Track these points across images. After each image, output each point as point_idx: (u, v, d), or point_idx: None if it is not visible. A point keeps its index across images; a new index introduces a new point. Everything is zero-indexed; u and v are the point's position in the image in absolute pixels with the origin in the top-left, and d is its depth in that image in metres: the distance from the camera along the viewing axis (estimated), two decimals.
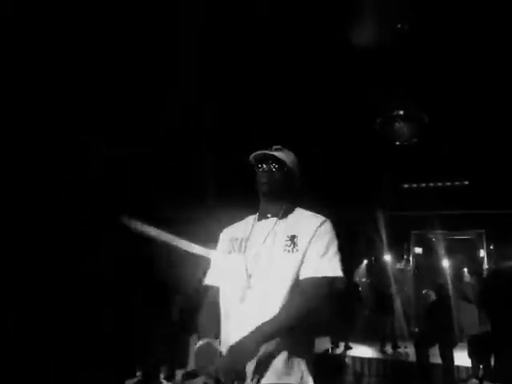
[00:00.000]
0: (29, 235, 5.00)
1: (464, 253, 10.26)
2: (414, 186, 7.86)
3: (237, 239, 2.09)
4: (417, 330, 8.33)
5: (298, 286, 1.89)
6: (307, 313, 1.85)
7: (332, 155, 6.61)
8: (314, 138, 6.05)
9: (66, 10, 3.72)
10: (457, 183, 7.63)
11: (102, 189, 5.51)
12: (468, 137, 6.03)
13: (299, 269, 1.90)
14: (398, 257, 10.97)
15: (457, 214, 8.16)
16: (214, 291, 2.12)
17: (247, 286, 1.92)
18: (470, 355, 6.71)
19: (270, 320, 1.80)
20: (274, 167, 2.07)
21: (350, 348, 8.52)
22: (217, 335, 1.97)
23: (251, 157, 2.10)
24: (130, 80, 4.73)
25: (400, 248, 10.61)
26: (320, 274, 1.88)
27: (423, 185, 7.84)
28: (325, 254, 1.92)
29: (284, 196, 2.08)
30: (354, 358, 7.83)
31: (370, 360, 7.73)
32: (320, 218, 2.02)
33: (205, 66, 4.73)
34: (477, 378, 6.65)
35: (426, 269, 10.63)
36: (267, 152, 2.07)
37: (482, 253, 9.03)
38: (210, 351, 1.88)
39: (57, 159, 5.01)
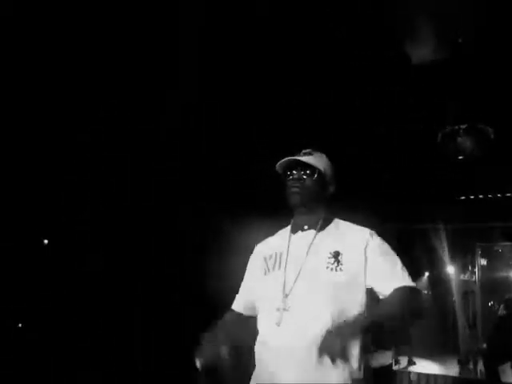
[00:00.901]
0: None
1: None
2: (479, 197, 7.64)
3: (271, 256, 1.94)
4: (485, 345, 8.04)
5: (341, 310, 1.71)
6: (412, 315, 1.76)
7: (392, 167, 6.55)
8: (374, 151, 6.03)
9: (69, 9, 3.62)
10: None
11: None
12: None
13: (343, 290, 1.74)
14: (462, 269, 10.65)
15: None
16: (233, 315, 2.04)
17: (283, 308, 1.74)
18: None
19: (383, 305, 1.73)
20: (305, 173, 1.88)
21: (414, 363, 8.34)
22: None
23: (278, 165, 1.91)
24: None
25: (464, 260, 10.32)
26: (406, 284, 1.75)
27: (488, 196, 7.60)
28: (394, 265, 1.80)
29: (319, 205, 1.92)
30: (419, 375, 7.66)
31: (435, 377, 7.54)
32: (365, 231, 1.87)
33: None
34: None
35: (493, 281, 10.27)
36: (295, 158, 1.88)
37: None
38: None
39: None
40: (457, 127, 4.91)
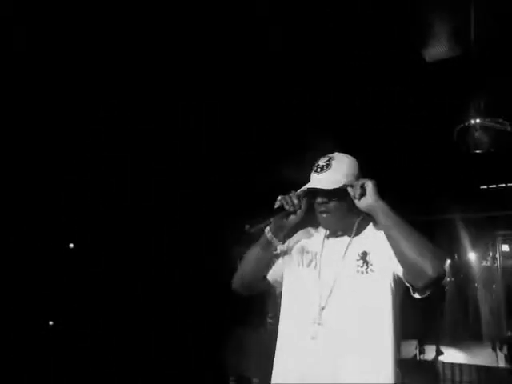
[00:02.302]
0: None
1: None
2: (498, 186, 7.64)
3: (308, 252, 1.91)
4: (510, 333, 8.06)
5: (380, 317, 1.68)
6: (433, 262, 1.53)
7: (410, 159, 6.61)
8: (392, 143, 6.10)
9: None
10: None
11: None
12: None
13: (378, 293, 1.70)
14: (484, 255, 10.63)
15: None
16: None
17: (318, 322, 1.73)
18: None
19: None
20: (327, 196, 1.79)
21: (442, 353, 8.31)
22: None
23: (299, 192, 1.83)
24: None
25: (485, 247, 10.31)
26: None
27: (507, 184, 7.60)
28: None
29: (352, 213, 1.83)
30: (443, 364, 7.70)
31: (460, 366, 7.58)
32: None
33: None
34: None
35: None
36: (311, 187, 1.79)
37: None
38: None
39: None
40: (473, 122, 4.93)
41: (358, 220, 1.84)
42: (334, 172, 1.77)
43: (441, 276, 1.53)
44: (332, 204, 1.80)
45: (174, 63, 4.54)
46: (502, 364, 7.81)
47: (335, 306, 1.73)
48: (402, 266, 1.60)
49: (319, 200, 1.81)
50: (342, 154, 1.87)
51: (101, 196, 5.21)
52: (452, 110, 5.26)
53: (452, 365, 7.42)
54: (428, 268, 1.51)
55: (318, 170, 1.80)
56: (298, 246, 1.94)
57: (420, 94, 5.24)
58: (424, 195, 7.24)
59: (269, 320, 6.39)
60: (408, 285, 1.66)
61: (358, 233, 1.84)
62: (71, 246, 5.50)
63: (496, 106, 4.97)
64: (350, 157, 1.87)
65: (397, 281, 1.70)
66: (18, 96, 4.25)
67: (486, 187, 7.47)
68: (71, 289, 5.03)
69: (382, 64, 4.85)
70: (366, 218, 1.85)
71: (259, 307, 6.28)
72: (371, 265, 1.72)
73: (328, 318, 1.71)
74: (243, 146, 5.73)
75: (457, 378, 7.33)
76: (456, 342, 8.78)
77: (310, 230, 2.00)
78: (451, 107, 5.20)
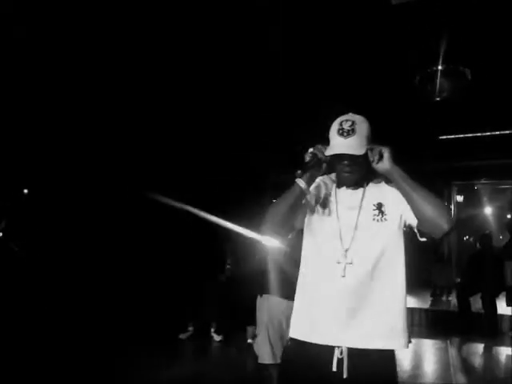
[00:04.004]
0: None
1: (508, 201, 10.14)
2: (456, 136, 7.73)
3: (324, 202, 2.03)
4: (459, 279, 8.39)
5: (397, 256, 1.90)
6: (444, 217, 1.79)
7: (370, 108, 6.55)
8: (352, 91, 6.02)
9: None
10: (499, 133, 7.46)
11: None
12: (510, 86, 5.87)
13: (392, 238, 1.90)
14: None
15: (500, 164, 8.03)
16: None
17: (347, 262, 1.89)
18: (508, 305, 6.81)
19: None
20: (353, 159, 1.91)
21: None
22: None
23: (326, 154, 1.92)
24: None
25: (441, 197, 10.56)
26: None
27: (465, 135, 7.70)
28: None
29: (368, 174, 1.98)
30: None
31: (412, 310, 7.89)
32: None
33: None
34: None
35: (468, 218, 10.57)
36: (342, 152, 1.89)
37: None
38: None
39: None
40: (435, 69, 4.91)
41: (368, 174, 1.99)
42: (359, 137, 1.88)
43: (452, 227, 1.81)
44: (356, 166, 1.93)
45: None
46: (449, 307, 8.19)
47: (358, 247, 1.89)
48: (420, 220, 1.84)
49: (346, 162, 1.93)
50: (358, 117, 1.97)
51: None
52: (414, 57, 5.20)
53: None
54: (444, 222, 1.79)
55: (345, 134, 1.89)
56: (316, 193, 2.05)
57: (381, 38, 5.13)
58: (381, 143, 7.28)
59: (227, 266, 6.45)
60: (417, 231, 1.93)
61: (369, 185, 2.00)
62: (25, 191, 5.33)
63: (458, 53, 4.95)
64: (365, 119, 1.98)
65: (407, 229, 1.94)
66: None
67: (444, 137, 7.54)
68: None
69: (345, 4, 4.72)
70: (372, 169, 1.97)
71: (219, 256, 6.32)
72: (386, 214, 1.92)
73: (354, 258, 1.88)
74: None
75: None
76: (407, 288, 9.06)
77: (320, 181, 2.08)
78: (413, 54, 5.14)
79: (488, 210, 11.00)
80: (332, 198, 2.02)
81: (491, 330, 6.83)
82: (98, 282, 5.61)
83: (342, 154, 1.89)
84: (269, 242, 3.73)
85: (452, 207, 10.78)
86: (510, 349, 6.44)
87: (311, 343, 1.90)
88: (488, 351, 6.45)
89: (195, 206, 5.62)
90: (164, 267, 6.14)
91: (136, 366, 4.91)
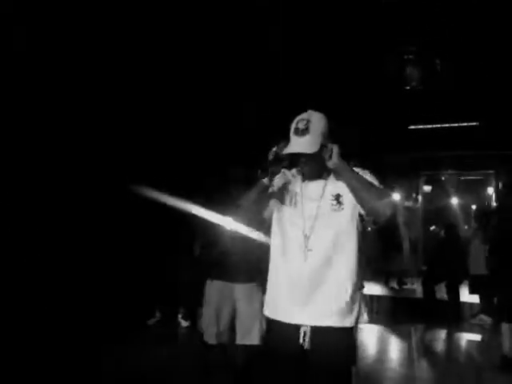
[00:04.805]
0: None
1: (473, 192, 10.36)
2: (425, 127, 7.84)
3: (290, 192, 2.19)
4: (424, 267, 8.55)
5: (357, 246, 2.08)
6: (384, 205, 1.99)
7: (338, 98, 6.58)
8: (321, 78, 6.02)
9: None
10: (466, 124, 7.60)
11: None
12: (479, 77, 5.96)
13: (347, 226, 2.06)
14: (407, 196, 11.06)
15: (467, 155, 8.18)
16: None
17: (307, 248, 2.07)
18: (470, 293, 7.01)
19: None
20: (305, 156, 2.07)
21: (363, 287, 8.69)
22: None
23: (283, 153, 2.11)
24: None
25: (408, 187, 10.69)
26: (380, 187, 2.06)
27: (434, 126, 7.80)
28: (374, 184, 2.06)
29: (325, 166, 2.08)
30: (364, 296, 8.11)
31: (378, 297, 8.01)
32: (361, 171, 2.10)
33: None
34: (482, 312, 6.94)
35: (435, 208, 10.76)
36: (295, 151, 2.05)
37: (491, 192, 9.11)
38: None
39: None
40: (405, 57, 4.94)
41: (327, 169, 2.11)
42: (313, 135, 2.04)
43: (393, 212, 2.02)
44: (312, 162, 2.09)
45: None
46: (415, 295, 8.35)
47: (317, 235, 2.08)
48: (364, 209, 2.03)
49: (302, 159, 2.10)
50: (316, 114, 2.11)
51: None
52: (385, 45, 5.23)
53: (370, 296, 7.84)
54: (384, 209, 1.98)
55: (299, 133, 2.05)
56: (280, 187, 2.20)
57: (351, 26, 5.12)
58: (353, 134, 7.32)
59: (198, 249, 6.41)
60: (367, 219, 2.11)
61: (330, 178, 2.15)
62: None
63: (429, 44, 4.99)
64: (322, 116, 2.12)
65: (360, 217, 2.11)
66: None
67: (413, 127, 7.63)
68: None
69: None
70: None
71: (189, 237, 6.28)
72: (343, 204, 2.08)
73: (314, 245, 2.07)
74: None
75: (374, 308, 7.76)
76: (375, 277, 9.22)
77: (287, 172, 2.20)
78: (384, 41, 5.17)
79: (454, 201, 11.22)
80: (298, 190, 2.18)
81: (454, 316, 6.99)
82: (62, 267, 5.49)
83: (296, 152, 2.05)
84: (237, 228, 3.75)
85: (419, 197, 10.97)
86: (471, 335, 6.61)
87: (278, 320, 2.12)
88: (450, 337, 6.60)
89: (162, 190, 5.56)
90: (130, 252, 6.05)
91: (103, 352, 4.85)
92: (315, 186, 2.15)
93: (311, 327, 2.04)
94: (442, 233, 8.55)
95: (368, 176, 2.10)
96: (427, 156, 8.38)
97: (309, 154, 2.04)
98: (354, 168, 2.10)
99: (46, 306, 5.14)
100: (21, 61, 4.55)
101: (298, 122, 2.08)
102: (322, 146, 2.02)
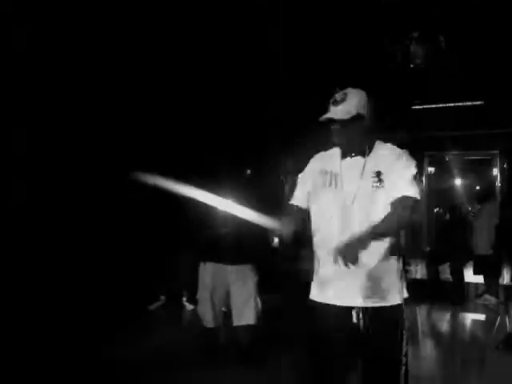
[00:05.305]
0: None
1: (478, 173, 10.27)
2: (429, 106, 7.74)
3: (327, 172, 2.23)
4: (428, 248, 8.53)
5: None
6: (397, 228, 2.16)
7: (343, 76, 6.49)
8: (327, 56, 5.95)
9: None
10: (471, 103, 7.50)
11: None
12: (483, 56, 5.86)
13: (386, 203, 2.08)
14: None
15: (471, 135, 8.08)
16: (293, 209, 2.36)
17: (349, 228, 2.08)
18: (475, 273, 6.99)
19: (372, 227, 2.05)
20: (340, 124, 2.13)
21: None
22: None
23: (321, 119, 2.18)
24: None
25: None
26: (407, 194, 2.06)
27: (438, 105, 7.71)
28: (408, 179, 2.09)
29: (360, 137, 2.16)
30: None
31: None
32: (398, 151, 2.17)
33: None
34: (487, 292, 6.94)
35: (440, 189, 10.68)
36: (330, 117, 2.14)
37: (496, 172, 9.03)
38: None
39: None
40: (410, 35, 4.86)
41: (366, 143, 2.18)
42: (347, 105, 2.12)
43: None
44: (344, 131, 2.14)
45: None
46: (419, 276, 8.34)
47: (360, 213, 2.10)
48: None
49: (335, 126, 2.15)
50: (355, 90, 2.19)
51: None
52: (389, 23, 5.14)
53: None
54: (407, 223, 2.17)
55: (336, 103, 2.14)
56: (317, 170, 2.29)
57: (355, 5, 5.04)
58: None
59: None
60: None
61: (370, 154, 2.18)
62: None
63: (434, 21, 4.90)
64: (360, 91, 2.19)
65: None
66: None
67: (418, 107, 7.54)
68: None
69: None
70: (372, 140, 2.20)
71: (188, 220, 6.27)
72: (383, 181, 2.10)
73: (356, 223, 2.08)
74: None
75: None
76: None
77: (324, 154, 2.33)
78: (388, 19, 5.08)
79: (458, 182, 11.14)
80: (337, 169, 2.21)
81: (458, 297, 6.98)
82: (64, 254, 5.48)
83: (328, 118, 2.14)
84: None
85: (423, 179, 10.89)
86: (475, 315, 6.61)
87: (328, 304, 2.16)
88: (455, 317, 6.60)
89: (166, 176, 5.53)
90: (134, 237, 6.04)
91: (106, 340, 4.84)
92: (355, 165, 2.18)
93: (363, 308, 2.08)
94: (447, 215, 8.51)
95: (404, 159, 2.13)
96: (431, 136, 8.29)
97: (342, 122, 2.11)
98: (388, 146, 2.19)
99: (47, 294, 5.14)
100: (21, 61, 4.59)
101: (336, 94, 2.17)
102: (358, 116, 2.10)
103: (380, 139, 2.22)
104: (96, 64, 5.18)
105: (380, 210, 2.08)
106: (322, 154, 2.36)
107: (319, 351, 2.23)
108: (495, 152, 8.82)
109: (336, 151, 2.27)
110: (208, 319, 4.05)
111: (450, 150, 9.03)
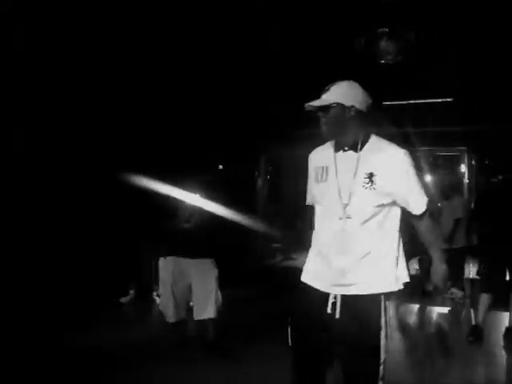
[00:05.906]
0: None
1: (446, 169, 10.43)
2: (399, 103, 7.82)
3: (320, 168, 2.26)
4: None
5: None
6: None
7: (312, 72, 6.49)
8: (295, 52, 5.95)
9: None
10: (440, 100, 7.60)
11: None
12: (452, 53, 5.94)
13: (376, 204, 2.12)
14: None
15: (440, 131, 8.20)
16: (309, 210, 2.40)
17: (346, 216, 2.13)
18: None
19: (435, 243, 2.39)
20: (322, 111, 2.17)
21: None
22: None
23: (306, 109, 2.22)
24: None
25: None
26: (425, 207, 2.19)
27: (407, 102, 7.80)
28: (418, 188, 2.17)
29: (350, 129, 2.16)
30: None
31: None
32: (397, 153, 2.15)
33: None
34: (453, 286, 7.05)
35: None
36: (308, 105, 2.17)
37: (464, 168, 9.19)
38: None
39: None
40: (380, 31, 4.88)
41: (361, 137, 2.17)
42: (332, 93, 2.15)
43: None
44: (328, 118, 2.16)
45: None
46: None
47: (355, 204, 2.13)
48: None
49: (320, 114, 2.19)
50: (344, 81, 2.20)
51: None
52: (358, 19, 5.14)
53: None
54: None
55: (323, 91, 2.18)
56: (314, 166, 2.33)
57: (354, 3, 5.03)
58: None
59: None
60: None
61: (363, 148, 2.16)
62: None
63: (403, 14, 4.92)
64: (350, 83, 2.20)
65: (393, 202, 2.18)
66: None
67: (388, 103, 7.61)
68: None
69: None
70: (367, 133, 2.19)
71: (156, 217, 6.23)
72: (374, 183, 2.10)
73: (352, 212, 2.13)
74: None
75: None
76: None
77: (319, 149, 2.35)
78: (357, 15, 5.08)
79: (428, 178, 11.30)
80: (331, 164, 2.22)
81: (425, 290, 7.08)
82: (33, 246, 5.39)
83: (308, 106, 2.17)
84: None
85: None
86: (442, 308, 6.73)
87: (312, 287, 2.22)
88: (422, 311, 6.71)
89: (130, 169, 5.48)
90: (101, 230, 5.97)
91: (78, 331, 4.79)
92: (348, 158, 2.18)
93: (342, 296, 2.13)
94: None
95: (405, 169, 2.14)
96: (401, 132, 8.37)
97: (326, 110, 2.14)
98: (385, 142, 2.19)
99: (16, 285, 5.07)
100: (21, 61, 4.62)
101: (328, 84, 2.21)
102: (340, 105, 2.12)
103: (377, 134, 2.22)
104: (96, 64, 5.18)
105: (368, 211, 2.12)
106: (317, 149, 2.38)
107: (300, 326, 2.27)
108: (463, 148, 8.99)
109: (329, 145, 2.28)
110: (170, 314, 4.06)
111: (419, 146, 9.15)
